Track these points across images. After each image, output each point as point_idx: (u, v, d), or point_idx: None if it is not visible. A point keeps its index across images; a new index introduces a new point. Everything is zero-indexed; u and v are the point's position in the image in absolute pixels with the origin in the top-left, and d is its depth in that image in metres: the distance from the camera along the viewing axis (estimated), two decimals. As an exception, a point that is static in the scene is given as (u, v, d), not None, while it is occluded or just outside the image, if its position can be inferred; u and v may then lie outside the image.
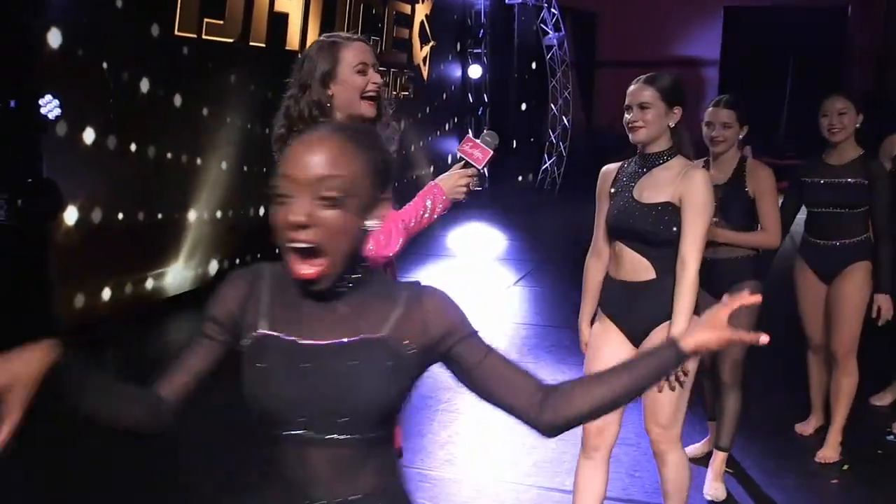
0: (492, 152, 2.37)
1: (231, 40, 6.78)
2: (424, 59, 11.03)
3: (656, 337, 2.55)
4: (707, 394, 3.64)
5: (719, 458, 3.41)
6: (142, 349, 5.43)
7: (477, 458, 3.81)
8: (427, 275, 7.62)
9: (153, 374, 1.48)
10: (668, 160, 2.62)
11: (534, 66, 13.43)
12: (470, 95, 12.54)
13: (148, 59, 5.81)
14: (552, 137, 13.36)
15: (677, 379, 2.51)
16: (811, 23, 14.39)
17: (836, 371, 3.71)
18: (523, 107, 13.27)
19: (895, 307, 3.54)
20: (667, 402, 2.59)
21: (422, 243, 8.15)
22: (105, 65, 5.37)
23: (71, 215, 5.07)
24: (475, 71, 12.46)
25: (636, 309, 2.62)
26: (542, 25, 13.07)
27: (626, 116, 2.63)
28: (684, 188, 2.53)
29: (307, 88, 2.25)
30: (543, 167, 13.32)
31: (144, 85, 5.77)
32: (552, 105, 13.33)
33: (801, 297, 3.81)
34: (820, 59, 13.89)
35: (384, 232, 2.22)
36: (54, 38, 4.90)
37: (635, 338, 2.64)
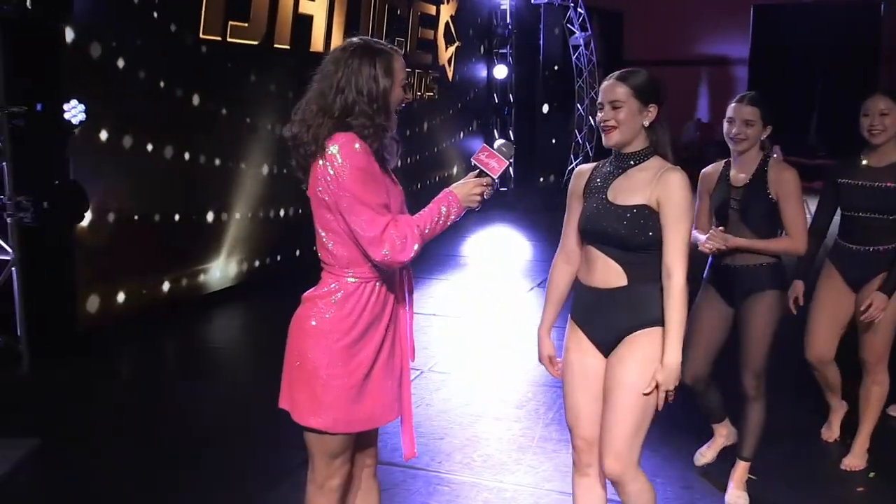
0: (507, 163, 2.37)
1: (255, 42, 6.82)
2: (450, 60, 11.02)
3: (626, 347, 2.45)
4: (704, 397, 3.49)
5: (741, 467, 3.34)
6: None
7: (495, 462, 3.79)
8: (449, 278, 7.61)
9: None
10: (644, 160, 2.49)
11: (556, 68, 13.36)
12: (496, 95, 12.51)
13: (181, 64, 5.90)
14: (578, 137, 13.29)
15: (667, 400, 2.39)
16: (843, 21, 14.16)
17: (866, 378, 3.61)
18: (546, 108, 13.19)
19: None
20: (621, 433, 2.42)
21: (444, 244, 8.16)
22: (142, 73, 5.46)
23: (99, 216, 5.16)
24: (501, 71, 12.42)
25: (606, 317, 2.49)
26: (568, 25, 13.01)
27: (598, 115, 2.51)
28: (661, 191, 2.41)
29: (367, 94, 2.27)
30: (570, 167, 13.26)
31: (180, 92, 5.87)
32: (578, 105, 13.26)
33: (819, 302, 3.66)
34: (852, 58, 13.65)
35: (399, 237, 2.24)
36: (80, 40, 4.97)
37: (605, 347, 2.52)
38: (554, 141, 13.50)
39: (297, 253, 7.37)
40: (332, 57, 2.34)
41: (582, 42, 13.07)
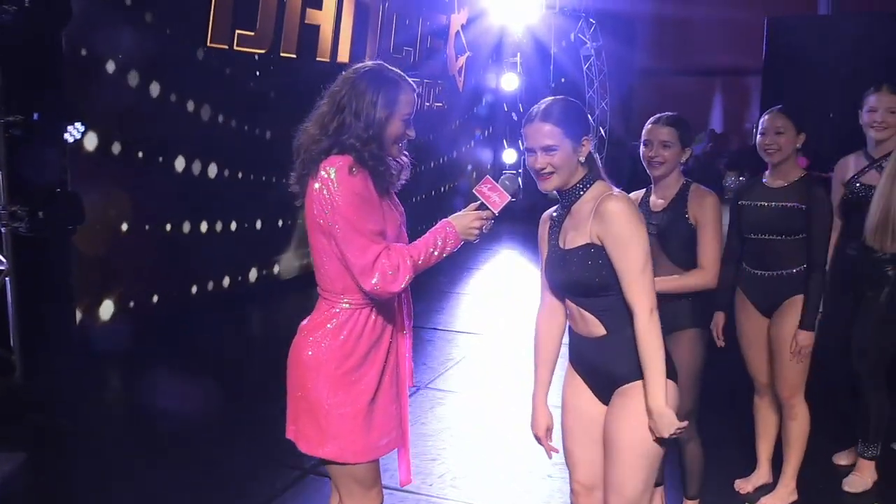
0: (510, 197, 2.30)
1: (263, 51, 6.79)
2: (460, 70, 10.96)
3: (618, 401, 2.28)
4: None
5: None
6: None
7: (488, 487, 3.70)
8: (465, 285, 7.54)
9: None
10: (584, 191, 2.29)
11: (563, 80, 13.28)
12: (505, 105, 12.43)
13: (184, 74, 5.86)
14: (589, 148, 13.20)
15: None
16: (858, 33, 14.01)
17: (784, 415, 3.38)
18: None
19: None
20: (629, 492, 2.25)
21: (463, 255, 8.09)
22: (137, 77, 5.43)
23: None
24: (510, 81, 12.36)
25: (598, 366, 2.34)
26: (579, 35, 12.93)
27: (529, 159, 2.28)
28: (598, 224, 2.20)
29: (364, 119, 2.24)
30: (579, 178, 13.17)
31: (175, 97, 5.83)
32: (589, 116, 13.16)
33: (741, 333, 3.44)
34: (867, 70, 13.47)
35: (391, 267, 2.19)
36: (80, 49, 4.95)
37: (603, 397, 2.36)
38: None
39: (306, 262, 7.33)
40: (343, 76, 2.33)
41: (593, 52, 12.99)
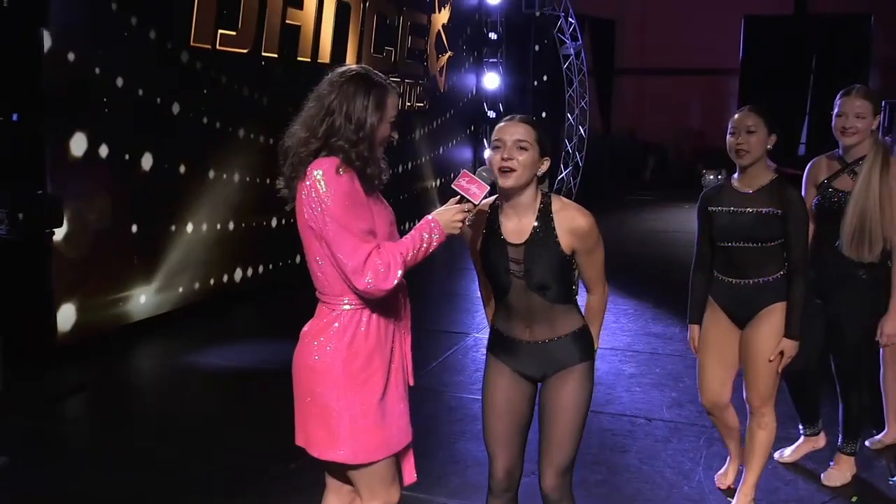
0: (488, 187, 2.37)
1: (245, 51, 6.76)
2: (441, 70, 10.97)
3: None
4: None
5: None
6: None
7: (473, 484, 3.71)
8: (459, 282, 7.55)
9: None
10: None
11: (545, 78, 13.35)
12: (485, 105, 12.47)
13: (162, 72, 5.82)
14: (568, 147, 13.26)
15: None
16: (833, 32, 14.20)
17: (751, 421, 3.26)
18: (535, 118, 13.17)
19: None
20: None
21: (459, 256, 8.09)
22: (119, 80, 5.39)
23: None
24: (492, 80, 12.39)
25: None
26: (559, 35, 12.99)
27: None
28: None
29: (355, 122, 2.27)
30: (559, 177, 13.23)
31: (156, 100, 5.79)
32: (568, 115, 13.24)
33: (705, 344, 3.30)
34: (842, 69, 13.67)
35: (383, 265, 2.22)
36: (57, 49, 4.90)
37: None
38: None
39: (289, 261, 7.30)
40: (329, 79, 2.35)
41: (573, 51, 13.06)
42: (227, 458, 3.93)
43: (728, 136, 3.13)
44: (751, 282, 3.13)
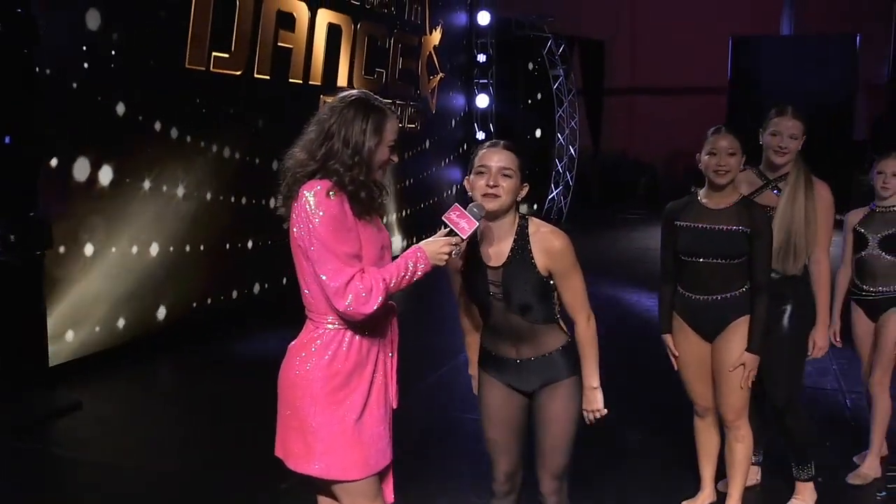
0: (477, 223, 2.40)
1: (238, 73, 6.82)
2: (432, 91, 11.04)
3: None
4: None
5: None
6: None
7: (450, 493, 3.72)
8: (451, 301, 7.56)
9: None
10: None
11: (539, 96, 13.45)
12: (476, 125, 12.55)
13: (156, 94, 5.87)
14: (559, 167, 13.35)
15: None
16: (820, 52, 14.37)
17: (728, 435, 3.31)
18: (529, 136, 13.26)
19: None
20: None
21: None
22: (116, 105, 5.43)
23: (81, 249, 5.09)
24: (482, 101, 12.48)
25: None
26: (548, 56, 13.11)
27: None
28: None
29: (352, 146, 2.32)
30: (550, 196, 13.30)
31: (152, 121, 5.83)
32: (559, 134, 13.33)
33: (682, 359, 3.35)
34: (829, 89, 13.82)
35: (365, 289, 2.26)
36: (52, 72, 4.96)
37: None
38: (538, 170, 13.55)
39: (284, 281, 7.31)
40: (330, 104, 2.41)
41: (562, 72, 13.18)
42: (217, 477, 3.93)
43: (705, 156, 3.17)
44: (717, 297, 3.19)
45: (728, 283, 3.17)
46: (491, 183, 2.50)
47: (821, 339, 3.47)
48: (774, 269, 3.30)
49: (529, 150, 13.21)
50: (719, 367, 3.23)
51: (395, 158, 2.43)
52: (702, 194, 3.25)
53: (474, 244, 2.59)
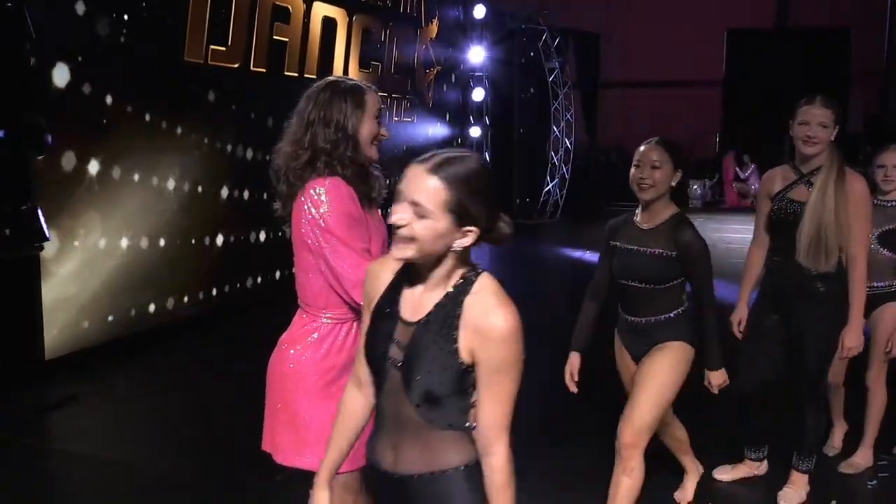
0: None
1: (235, 66, 6.81)
2: (429, 84, 11.02)
3: None
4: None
5: None
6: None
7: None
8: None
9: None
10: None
11: (532, 91, 13.44)
12: (472, 118, 12.54)
13: (150, 87, 5.85)
14: (554, 160, 13.35)
15: None
16: (814, 45, 14.40)
17: (616, 467, 2.98)
18: (523, 130, 13.26)
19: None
20: None
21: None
22: (109, 97, 5.41)
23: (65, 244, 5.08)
24: (477, 94, 12.46)
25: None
26: (543, 49, 13.10)
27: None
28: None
29: (334, 125, 2.31)
30: (546, 189, 13.31)
31: (146, 114, 5.82)
32: (554, 127, 13.33)
33: (624, 378, 3.25)
34: (823, 82, 13.85)
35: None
36: (45, 67, 4.93)
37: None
38: (534, 162, 13.57)
39: (277, 275, 7.31)
40: (305, 95, 2.40)
41: (557, 65, 13.17)
42: (212, 470, 3.94)
43: (632, 169, 3.01)
44: (644, 320, 3.05)
45: (656, 307, 3.02)
46: (395, 221, 1.68)
47: (850, 340, 3.35)
48: (805, 265, 3.25)
49: (524, 144, 13.23)
50: (635, 384, 3.04)
51: (385, 133, 2.41)
52: (637, 212, 3.09)
53: (398, 281, 1.81)
